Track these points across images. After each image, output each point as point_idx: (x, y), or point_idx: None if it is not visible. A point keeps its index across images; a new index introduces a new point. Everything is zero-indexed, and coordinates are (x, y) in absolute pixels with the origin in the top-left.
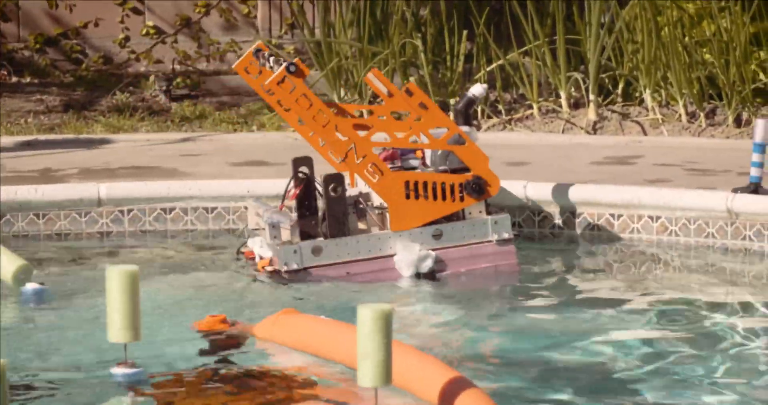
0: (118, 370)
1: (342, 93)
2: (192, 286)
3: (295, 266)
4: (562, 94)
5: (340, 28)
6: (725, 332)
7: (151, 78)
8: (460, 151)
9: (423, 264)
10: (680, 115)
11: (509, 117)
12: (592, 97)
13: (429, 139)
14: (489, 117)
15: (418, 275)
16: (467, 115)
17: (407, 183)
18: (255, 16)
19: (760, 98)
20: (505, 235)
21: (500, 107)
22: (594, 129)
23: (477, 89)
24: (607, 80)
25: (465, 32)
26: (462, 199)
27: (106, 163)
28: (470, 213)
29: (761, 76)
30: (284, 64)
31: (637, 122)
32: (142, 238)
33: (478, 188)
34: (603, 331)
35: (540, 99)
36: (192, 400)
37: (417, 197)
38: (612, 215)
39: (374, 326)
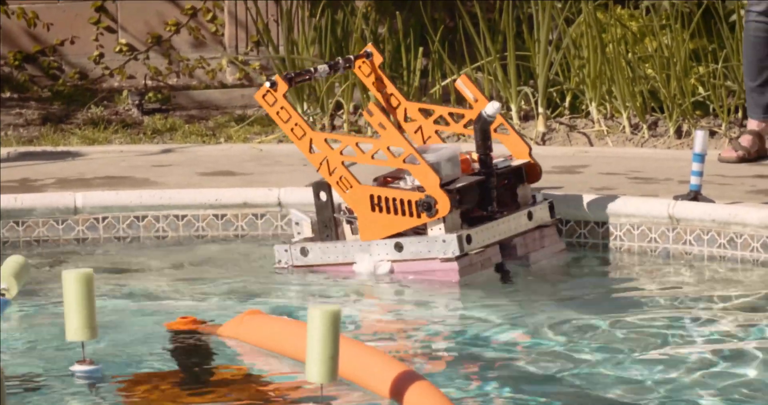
0: (77, 368)
1: (305, 106)
2: (167, 285)
3: (284, 264)
4: (513, 107)
5: (303, 45)
6: (661, 332)
7: (125, 93)
8: (414, 169)
9: (378, 273)
10: (624, 127)
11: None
12: (541, 109)
13: (387, 156)
14: None
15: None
16: (482, 132)
17: (371, 197)
18: (222, 34)
19: (699, 111)
20: (450, 254)
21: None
22: (543, 140)
23: (489, 108)
24: (555, 94)
25: (421, 49)
26: (419, 215)
27: (82, 173)
28: (431, 229)
29: (700, 89)
30: (267, 81)
31: (584, 133)
32: (117, 245)
33: (428, 207)
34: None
35: None
36: (157, 399)
37: (380, 211)
38: (560, 221)
39: (322, 325)
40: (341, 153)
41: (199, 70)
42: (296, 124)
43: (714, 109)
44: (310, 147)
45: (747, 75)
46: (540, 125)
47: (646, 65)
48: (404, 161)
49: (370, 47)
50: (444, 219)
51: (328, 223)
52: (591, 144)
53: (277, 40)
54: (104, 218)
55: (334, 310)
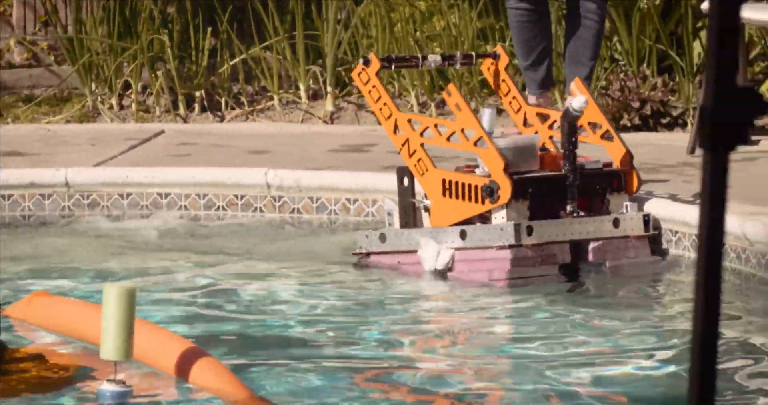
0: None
1: (93, 87)
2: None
3: (363, 250)
4: (302, 87)
5: (91, 25)
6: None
7: None
8: (481, 153)
9: (440, 260)
10: (412, 106)
11: (251, 108)
12: (329, 89)
13: (461, 138)
14: (232, 108)
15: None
16: (567, 127)
17: (443, 181)
18: (11, 15)
19: (486, 89)
20: (504, 241)
21: (243, 99)
22: (331, 119)
23: (575, 102)
24: (343, 73)
25: (210, 29)
26: (483, 201)
27: None
28: (494, 217)
29: None
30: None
31: (372, 112)
32: None
33: (491, 192)
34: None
35: (280, 91)
36: None
37: (450, 196)
38: (348, 200)
39: (118, 303)
40: (422, 135)
41: None
42: (384, 104)
43: None
44: (395, 128)
45: (519, 56)
46: (328, 104)
47: (435, 44)
48: (475, 144)
49: (498, 49)
50: (507, 206)
51: (408, 209)
52: (379, 123)
53: (65, 20)
54: None
55: (130, 288)
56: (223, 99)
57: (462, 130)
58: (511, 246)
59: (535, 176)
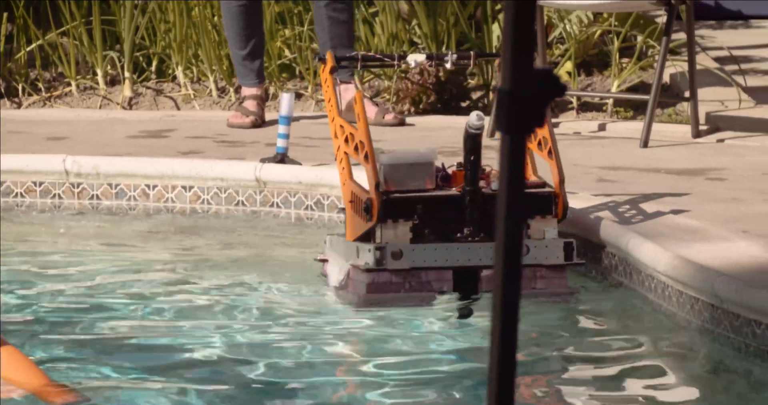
0: None
1: None
2: None
3: (321, 256)
4: (99, 72)
5: None
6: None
7: None
8: (365, 167)
9: (340, 276)
10: (211, 91)
11: (49, 94)
12: (127, 74)
13: (356, 151)
14: (30, 94)
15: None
16: (466, 144)
17: (351, 193)
18: None
19: (285, 73)
20: (364, 264)
21: (40, 85)
22: (130, 105)
23: (472, 118)
24: (141, 58)
25: (6, 14)
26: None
27: None
28: (374, 236)
29: (286, 52)
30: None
31: (171, 98)
32: None
33: (367, 210)
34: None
35: (78, 77)
36: None
37: (353, 210)
38: (148, 186)
39: None
40: (346, 143)
41: None
42: (331, 106)
43: (300, 72)
44: (335, 132)
45: (235, 45)
46: (126, 90)
47: None
48: (364, 158)
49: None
50: (382, 226)
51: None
52: (178, 108)
53: None
54: None
55: None
56: (20, 85)
57: (360, 142)
58: (368, 270)
59: (418, 196)
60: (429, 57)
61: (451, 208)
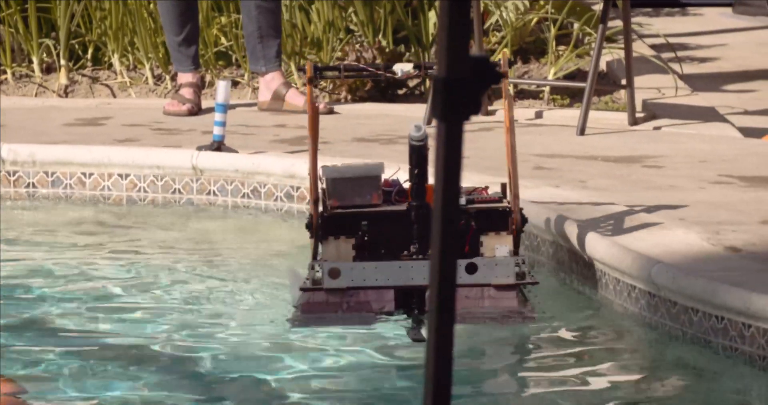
0: None
1: None
2: None
3: None
4: (35, 60)
5: None
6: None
7: None
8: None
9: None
10: (147, 78)
11: None
12: (63, 62)
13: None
14: None
15: None
16: (411, 157)
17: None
18: None
19: (222, 61)
20: (301, 283)
21: None
22: (66, 92)
23: (413, 129)
24: (77, 46)
25: None
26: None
27: None
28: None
29: (222, 40)
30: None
31: (107, 85)
32: None
33: (308, 225)
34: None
35: (13, 64)
36: None
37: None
38: (84, 174)
39: None
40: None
41: None
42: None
43: (237, 59)
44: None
45: (170, 31)
46: (62, 78)
47: None
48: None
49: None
50: (322, 243)
51: None
52: (114, 96)
53: None
54: None
55: None
56: None
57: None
58: (304, 289)
59: (361, 211)
60: (417, 67)
61: (397, 224)
